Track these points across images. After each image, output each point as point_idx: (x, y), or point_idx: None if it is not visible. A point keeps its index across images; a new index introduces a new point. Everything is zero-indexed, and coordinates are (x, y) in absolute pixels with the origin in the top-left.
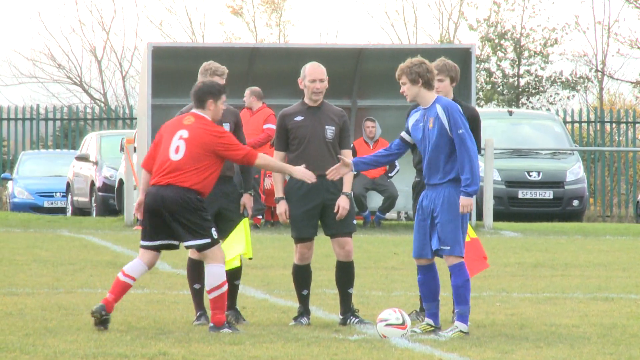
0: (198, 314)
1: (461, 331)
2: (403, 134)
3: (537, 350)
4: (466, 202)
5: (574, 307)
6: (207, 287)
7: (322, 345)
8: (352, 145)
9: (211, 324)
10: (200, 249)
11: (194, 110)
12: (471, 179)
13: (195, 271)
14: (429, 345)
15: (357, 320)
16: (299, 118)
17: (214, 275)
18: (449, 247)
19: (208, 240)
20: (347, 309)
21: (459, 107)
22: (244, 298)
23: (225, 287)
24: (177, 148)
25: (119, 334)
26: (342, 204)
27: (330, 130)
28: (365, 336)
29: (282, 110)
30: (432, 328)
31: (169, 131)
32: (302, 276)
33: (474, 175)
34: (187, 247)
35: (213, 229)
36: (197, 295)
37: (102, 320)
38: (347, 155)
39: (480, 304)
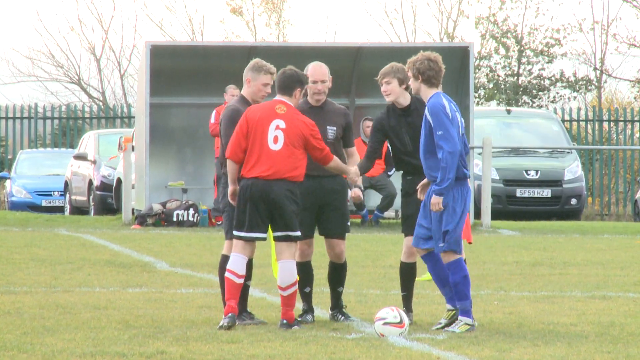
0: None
1: (466, 324)
2: None
3: (534, 349)
4: (434, 200)
5: (572, 305)
6: (281, 284)
7: (320, 344)
8: None
9: (284, 321)
10: (286, 240)
11: (281, 98)
12: (440, 178)
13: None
14: (426, 344)
15: (342, 317)
16: None
17: (291, 272)
18: (443, 245)
19: (299, 234)
20: (335, 305)
21: (444, 106)
22: None
23: (297, 285)
24: (275, 138)
25: (117, 333)
26: (356, 193)
27: (331, 131)
28: (363, 335)
29: None
30: (454, 311)
31: (263, 120)
32: (303, 273)
33: (444, 176)
34: (278, 239)
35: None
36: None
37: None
38: (352, 153)
39: (478, 303)
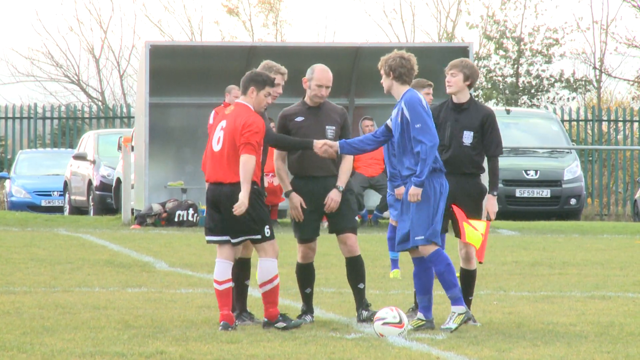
0: (237, 312)
1: (459, 314)
2: (388, 121)
3: (534, 349)
4: (413, 192)
5: (572, 305)
6: (258, 281)
7: (320, 344)
8: None
9: (265, 319)
10: (253, 242)
11: (239, 99)
12: (420, 170)
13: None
14: (426, 344)
15: (366, 313)
16: (299, 119)
17: (265, 270)
18: (422, 237)
19: (258, 237)
20: (359, 305)
21: (421, 100)
22: None
23: (276, 281)
24: (218, 139)
25: (116, 333)
26: (332, 196)
27: (330, 130)
28: (362, 335)
29: (283, 110)
30: (423, 322)
31: (215, 123)
32: (305, 275)
33: (423, 167)
34: (235, 244)
35: (267, 225)
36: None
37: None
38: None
39: (478, 303)
